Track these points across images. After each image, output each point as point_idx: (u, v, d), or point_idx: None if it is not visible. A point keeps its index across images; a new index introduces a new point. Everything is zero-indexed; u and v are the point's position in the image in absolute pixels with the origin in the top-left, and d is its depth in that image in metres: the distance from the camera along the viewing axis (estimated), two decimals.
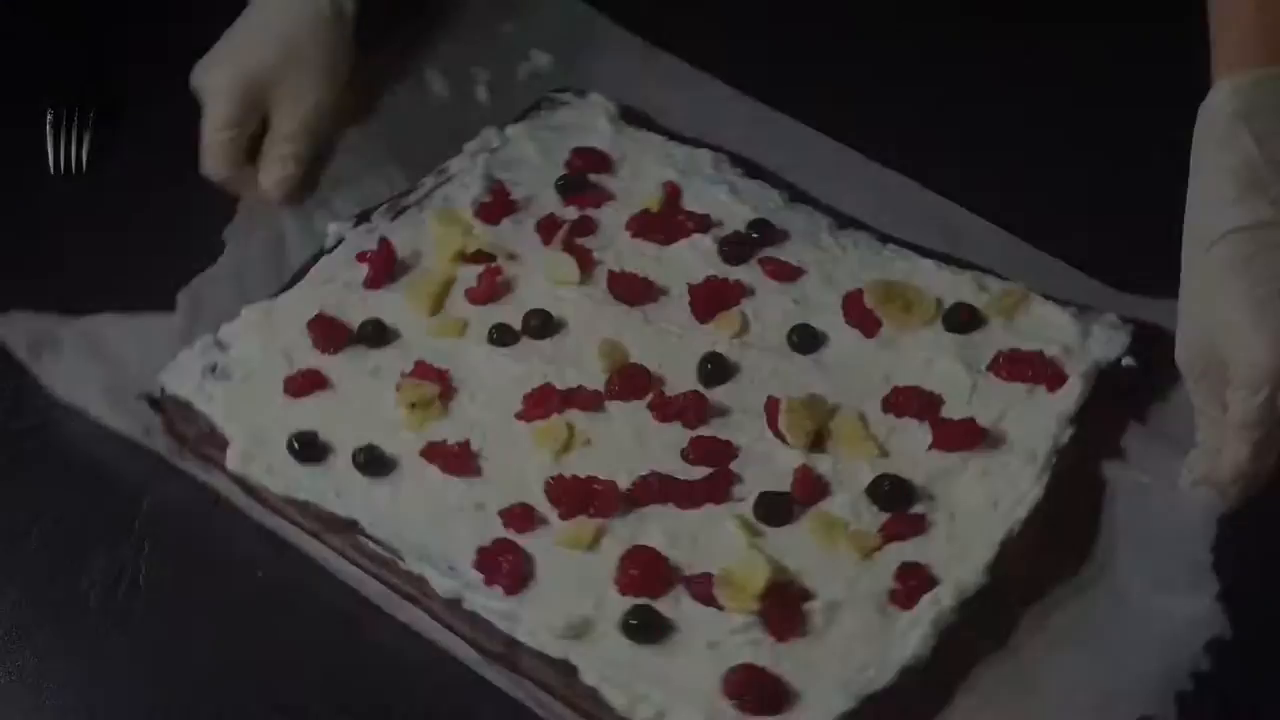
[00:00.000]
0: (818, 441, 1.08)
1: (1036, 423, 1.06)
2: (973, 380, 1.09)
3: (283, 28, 1.27)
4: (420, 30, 1.39)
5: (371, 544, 1.04)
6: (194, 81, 1.27)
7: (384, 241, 1.20)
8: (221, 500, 1.10)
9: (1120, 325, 1.12)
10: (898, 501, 1.04)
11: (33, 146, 1.34)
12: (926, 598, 0.98)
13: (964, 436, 1.06)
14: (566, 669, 0.97)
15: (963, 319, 1.13)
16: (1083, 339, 1.11)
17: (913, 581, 0.99)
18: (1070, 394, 1.07)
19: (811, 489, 1.05)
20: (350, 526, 1.05)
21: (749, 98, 1.35)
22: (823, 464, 1.06)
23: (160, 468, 1.13)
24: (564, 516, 1.04)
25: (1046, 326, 1.12)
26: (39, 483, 1.12)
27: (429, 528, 1.04)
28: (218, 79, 1.26)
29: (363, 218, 1.24)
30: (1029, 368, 1.09)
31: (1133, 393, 1.11)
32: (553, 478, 1.05)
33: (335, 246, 1.22)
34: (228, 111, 1.25)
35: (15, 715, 1.01)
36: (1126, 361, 1.10)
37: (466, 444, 1.08)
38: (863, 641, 0.96)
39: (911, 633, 0.96)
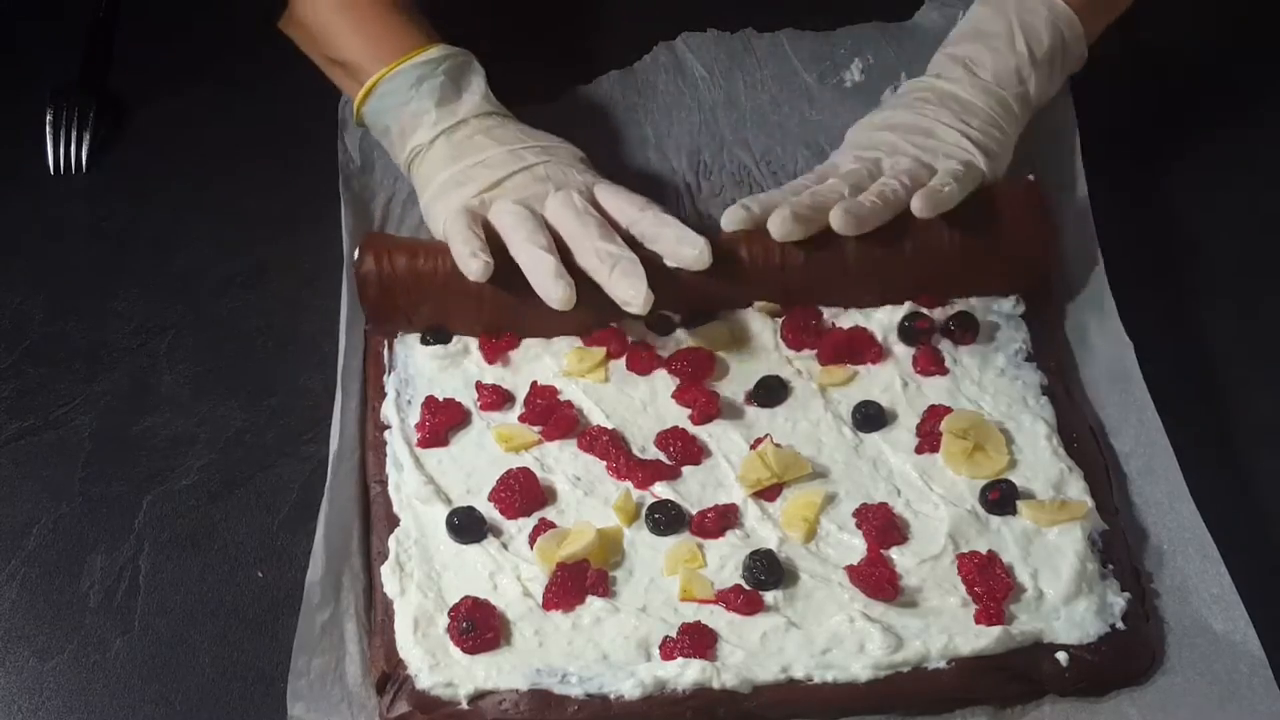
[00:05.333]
0: (770, 493, 1.06)
1: (939, 639, 0.97)
2: (952, 554, 1.01)
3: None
4: None
5: None
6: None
7: None
8: None
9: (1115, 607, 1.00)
10: (763, 581, 1.00)
11: (33, 146, 1.34)
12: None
13: (877, 584, 0.99)
14: None
15: (1000, 499, 1.04)
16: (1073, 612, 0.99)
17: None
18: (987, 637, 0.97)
19: (714, 526, 1.04)
20: None
21: None
22: (751, 510, 1.05)
23: (160, 467, 1.13)
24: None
25: (1052, 556, 1.01)
26: (39, 483, 1.12)
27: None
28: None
29: None
30: (992, 582, 0.99)
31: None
32: None
33: None
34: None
35: (15, 715, 1.01)
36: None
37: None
38: None
39: None
